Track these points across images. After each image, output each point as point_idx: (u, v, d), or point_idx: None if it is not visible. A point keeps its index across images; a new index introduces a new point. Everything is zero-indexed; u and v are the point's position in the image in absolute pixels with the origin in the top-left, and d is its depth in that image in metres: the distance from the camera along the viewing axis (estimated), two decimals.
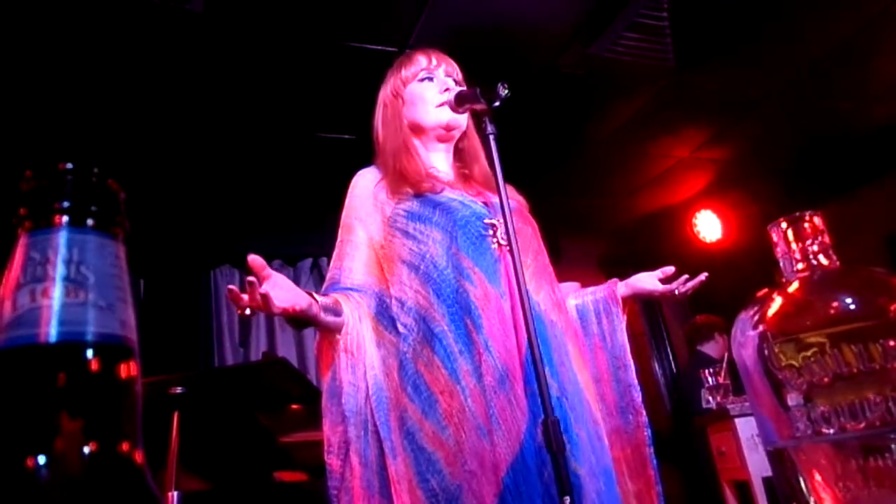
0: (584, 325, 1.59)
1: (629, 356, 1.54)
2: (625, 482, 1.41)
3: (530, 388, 1.25)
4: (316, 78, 2.96)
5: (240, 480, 2.46)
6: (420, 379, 1.28)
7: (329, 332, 1.32)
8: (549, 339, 1.33)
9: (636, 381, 1.51)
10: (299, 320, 1.25)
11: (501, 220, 1.42)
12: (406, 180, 1.46)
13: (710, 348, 3.93)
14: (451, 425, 1.22)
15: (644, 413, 1.47)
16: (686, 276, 1.59)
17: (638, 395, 1.49)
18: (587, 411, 1.33)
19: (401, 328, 1.34)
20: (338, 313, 1.31)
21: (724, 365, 3.04)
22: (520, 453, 1.20)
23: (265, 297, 1.14)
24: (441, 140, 1.57)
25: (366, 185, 1.51)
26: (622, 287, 1.61)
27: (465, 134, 1.60)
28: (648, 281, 1.59)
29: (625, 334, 1.57)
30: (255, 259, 1.15)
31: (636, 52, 3.05)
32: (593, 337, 1.57)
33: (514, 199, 1.54)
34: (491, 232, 1.40)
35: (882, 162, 4.17)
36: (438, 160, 1.57)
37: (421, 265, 1.36)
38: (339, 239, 1.47)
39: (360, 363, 1.32)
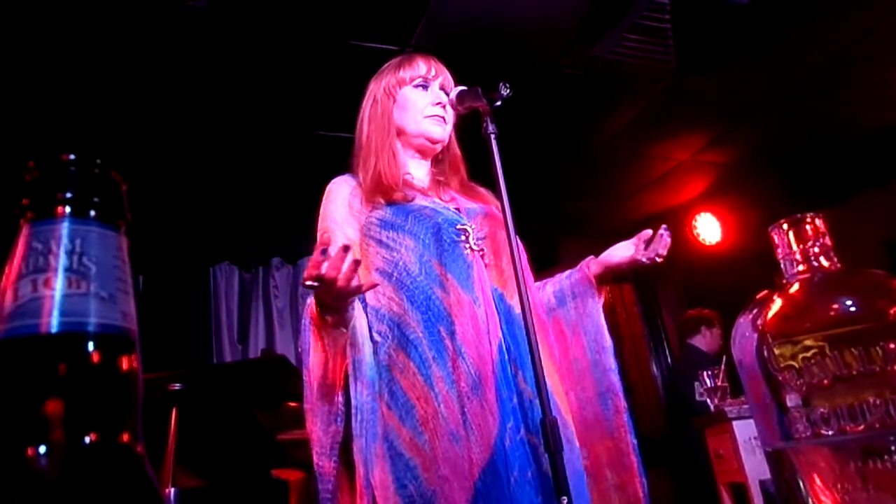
0: (561, 310, 1.56)
1: (607, 338, 1.51)
2: (605, 475, 1.39)
3: (500, 394, 1.25)
4: (316, 76, 2.96)
5: (237, 477, 2.46)
6: (396, 385, 1.27)
7: (333, 327, 1.29)
8: (522, 343, 1.31)
9: (615, 365, 1.48)
10: (339, 304, 1.23)
11: (473, 226, 1.42)
12: (380, 188, 1.45)
13: (699, 342, 3.95)
14: (427, 431, 1.22)
15: (623, 398, 1.44)
16: (648, 235, 1.51)
17: (616, 379, 1.46)
18: (557, 415, 1.31)
19: (376, 336, 1.33)
20: (353, 307, 1.30)
21: (723, 367, 3.03)
22: (491, 458, 1.20)
23: (357, 263, 1.13)
24: (421, 151, 1.56)
25: (341, 192, 1.49)
26: (594, 265, 1.57)
27: (446, 146, 1.59)
28: (617, 253, 1.54)
29: (601, 315, 1.53)
30: (327, 240, 1.16)
31: (638, 54, 3.05)
32: (571, 322, 1.54)
33: (489, 203, 1.53)
34: (463, 238, 1.40)
35: (881, 167, 4.18)
36: (415, 167, 1.56)
37: (394, 273, 1.36)
38: (317, 244, 1.46)
39: (363, 360, 1.31)
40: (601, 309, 1.55)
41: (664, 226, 1.50)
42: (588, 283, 1.56)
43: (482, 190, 1.57)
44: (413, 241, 1.38)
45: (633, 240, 1.53)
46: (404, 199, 1.44)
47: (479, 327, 1.30)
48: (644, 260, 1.51)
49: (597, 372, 1.48)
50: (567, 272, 1.61)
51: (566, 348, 1.52)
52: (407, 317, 1.31)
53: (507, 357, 1.30)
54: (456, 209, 1.48)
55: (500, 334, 1.32)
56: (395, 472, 1.21)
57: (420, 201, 1.45)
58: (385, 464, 1.23)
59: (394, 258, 1.37)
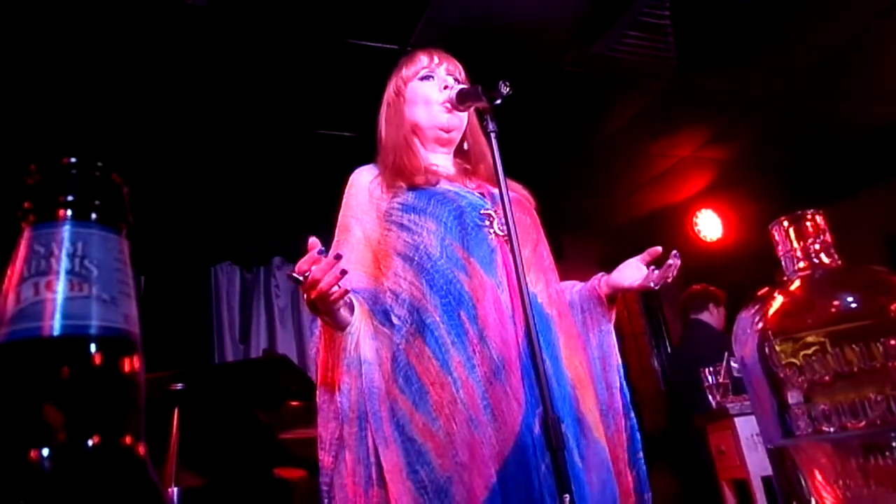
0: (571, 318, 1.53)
1: (616, 357, 1.50)
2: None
3: (528, 380, 1.23)
4: (317, 75, 2.96)
5: (239, 476, 2.46)
6: (411, 370, 1.27)
7: (332, 328, 1.30)
8: (547, 330, 1.32)
9: (621, 384, 1.46)
10: (324, 306, 1.23)
11: (498, 211, 1.40)
12: (402, 174, 1.44)
13: (706, 318, 3.69)
14: (442, 417, 1.21)
15: (625, 417, 1.43)
16: (657, 252, 1.48)
17: (621, 399, 1.45)
18: (573, 408, 1.30)
19: (395, 320, 1.33)
20: (351, 310, 1.31)
21: (724, 364, 3.03)
22: (516, 445, 1.18)
23: (343, 273, 1.16)
24: (440, 142, 1.55)
25: (362, 182, 1.50)
26: (605, 286, 1.53)
27: (469, 135, 1.58)
28: (627, 275, 1.50)
29: (613, 335, 1.52)
30: (314, 241, 1.17)
31: (639, 51, 3.05)
32: (577, 333, 1.51)
33: (517, 192, 1.52)
34: (487, 222, 1.39)
35: (883, 163, 4.17)
36: (440, 159, 1.55)
37: (415, 256, 1.35)
38: (335, 239, 1.46)
39: (356, 361, 1.31)
40: (612, 329, 1.54)
41: (675, 252, 1.45)
42: (599, 302, 1.54)
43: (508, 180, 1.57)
44: (435, 224, 1.36)
45: (641, 259, 1.49)
46: (427, 183, 1.43)
47: (502, 312, 1.29)
48: (654, 286, 1.46)
49: (599, 387, 1.45)
50: (579, 286, 1.59)
51: (579, 358, 1.50)
52: (426, 301, 1.30)
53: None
54: (481, 194, 1.46)
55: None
56: (406, 456, 1.21)
57: (444, 185, 1.45)
58: (396, 448, 1.22)
59: (415, 241, 1.36)
